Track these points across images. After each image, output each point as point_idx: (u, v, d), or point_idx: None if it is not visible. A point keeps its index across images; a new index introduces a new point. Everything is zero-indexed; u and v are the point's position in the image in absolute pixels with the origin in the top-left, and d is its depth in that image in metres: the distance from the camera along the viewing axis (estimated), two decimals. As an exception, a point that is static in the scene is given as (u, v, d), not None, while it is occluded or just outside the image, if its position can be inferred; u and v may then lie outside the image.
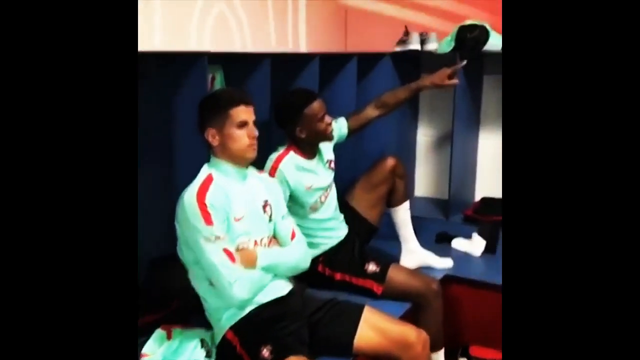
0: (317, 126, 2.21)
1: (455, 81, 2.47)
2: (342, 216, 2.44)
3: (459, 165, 3.10)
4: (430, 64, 3.21)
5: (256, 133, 1.81)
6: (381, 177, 2.49)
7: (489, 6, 3.13)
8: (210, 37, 2.52)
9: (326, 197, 2.33)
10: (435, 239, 2.94)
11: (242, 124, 1.78)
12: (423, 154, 3.54)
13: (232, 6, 2.63)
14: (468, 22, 2.98)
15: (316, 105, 2.20)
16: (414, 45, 3.08)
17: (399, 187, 2.52)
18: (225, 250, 1.71)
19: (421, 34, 3.10)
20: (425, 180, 3.55)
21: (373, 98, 2.53)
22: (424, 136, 3.51)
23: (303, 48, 3.09)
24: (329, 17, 3.39)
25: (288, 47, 2.98)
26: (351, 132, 2.49)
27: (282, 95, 2.25)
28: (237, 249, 1.76)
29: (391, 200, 2.53)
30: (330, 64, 2.73)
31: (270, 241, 1.89)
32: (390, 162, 2.48)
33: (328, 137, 2.28)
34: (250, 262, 1.77)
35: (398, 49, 3.12)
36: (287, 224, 1.95)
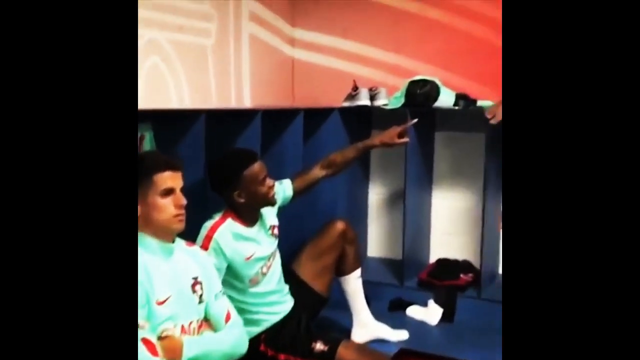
0: (258, 190, 2.01)
1: (405, 140, 2.35)
2: (286, 288, 2.21)
3: (412, 224, 2.95)
4: (380, 119, 3.13)
5: (184, 201, 1.59)
6: (329, 243, 2.30)
7: (439, 61, 3.08)
8: (143, 93, 2.31)
9: (268, 268, 2.11)
10: (389, 306, 2.75)
11: (168, 192, 1.57)
12: (375, 212, 3.37)
13: (167, 59, 2.44)
14: (418, 77, 2.90)
15: (256, 167, 2.01)
16: (363, 100, 2.97)
17: (349, 254, 2.33)
18: (145, 340, 1.46)
19: (370, 89, 3.00)
20: (378, 240, 3.38)
21: (321, 156, 2.39)
22: (375, 194, 3.36)
23: (247, 103, 2.92)
24: (275, 70, 3.25)
25: (231, 103, 2.81)
26: (297, 194, 2.30)
27: (218, 157, 2.05)
28: (160, 337, 1.52)
29: (341, 268, 2.34)
30: (274, 121, 2.57)
31: (200, 325, 1.65)
32: (339, 226, 2.30)
33: (270, 201, 2.08)
34: (174, 353, 1.52)
35: (346, 104, 3.00)
36: (222, 305, 1.72)
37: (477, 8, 2.98)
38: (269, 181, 2.04)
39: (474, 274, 2.90)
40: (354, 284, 2.36)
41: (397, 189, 3.20)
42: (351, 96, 3.00)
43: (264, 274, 2.09)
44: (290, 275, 2.27)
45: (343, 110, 3.00)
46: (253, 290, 2.07)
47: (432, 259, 3.17)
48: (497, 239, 2.98)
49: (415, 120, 2.41)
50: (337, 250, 2.31)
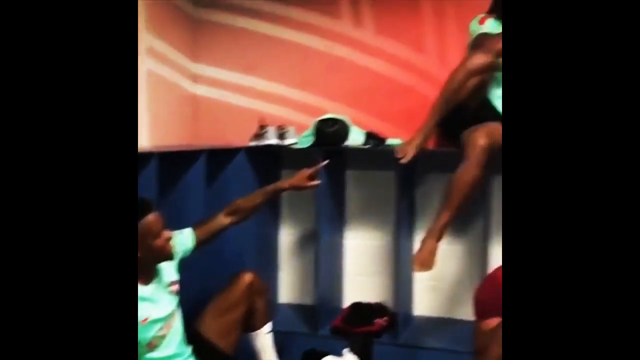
0: (153, 244, 1.81)
1: (316, 182, 2.25)
2: (189, 350, 2.00)
3: (325, 266, 2.83)
4: (290, 159, 3.01)
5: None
6: (236, 297, 2.13)
7: (347, 99, 3.02)
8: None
9: (168, 329, 1.89)
10: (302, 358, 2.57)
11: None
12: (286, 255, 3.22)
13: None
14: (327, 115, 2.82)
15: (151, 218, 1.81)
16: (271, 139, 2.84)
17: (258, 307, 2.17)
18: None
19: (278, 128, 2.88)
20: (289, 284, 3.22)
21: (226, 201, 2.23)
22: (287, 235, 3.21)
23: (144, 144, 2.70)
24: (176, 108, 3.05)
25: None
26: (199, 244, 2.11)
27: (107, 208, 1.82)
28: None
29: (249, 323, 2.17)
30: (174, 163, 2.37)
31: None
32: (246, 278, 2.13)
33: (167, 256, 1.88)
34: None
35: (253, 143, 2.86)
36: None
37: (383, 46, 2.96)
38: (165, 233, 1.85)
39: (388, 317, 2.81)
40: (264, 339, 2.19)
41: (309, 230, 3.08)
42: (258, 135, 2.87)
43: (162, 337, 1.87)
44: (193, 336, 2.06)
45: (250, 150, 2.85)
46: (150, 355, 1.85)
47: (346, 302, 3.05)
48: (410, 279, 2.92)
49: (326, 162, 2.32)
50: (244, 305, 2.13)
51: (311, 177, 2.23)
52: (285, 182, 2.24)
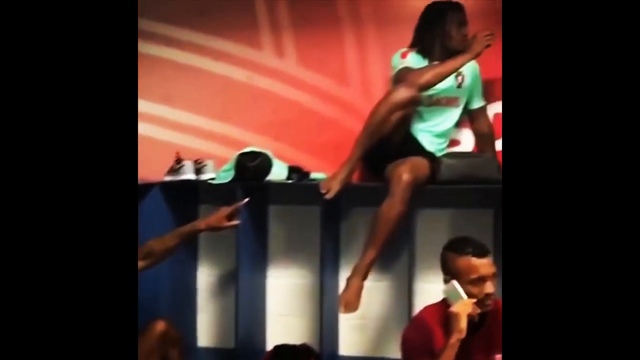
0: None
1: (235, 222, 2.14)
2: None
3: (246, 307, 2.69)
4: (208, 195, 2.88)
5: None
6: (148, 348, 1.99)
7: (269, 132, 2.94)
8: None
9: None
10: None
11: None
12: (205, 296, 3.04)
13: None
14: (248, 149, 2.71)
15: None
16: (188, 174, 2.70)
17: (172, 358, 2.03)
18: None
19: (196, 161, 2.74)
20: (209, 327, 3.04)
21: (139, 242, 2.04)
22: (205, 276, 3.04)
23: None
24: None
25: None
26: (106, 291, 1.93)
27: None
28: None
29: (162, 377, 1.99)
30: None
31: None
32: (158, 327, 1.99)
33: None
34: None
35: (168, 178, 2.70)
36: None
37: (306, 78, 2.91)
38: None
39: (313, 359, 2.70)
40: (178, 394, 2.02)
41: (229, 269, 2.93)
42: (174, 170, 2.72)
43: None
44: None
45: (165, 186, 2.70)
46: None
47: (269, 345, 2.91)
48: (336, 318, 2.83)
49: (246, 200, 2.22)
50: (157, 356, 2.00)
51: (230, 217, 2.10)
52: (202, 223, 2.11)
